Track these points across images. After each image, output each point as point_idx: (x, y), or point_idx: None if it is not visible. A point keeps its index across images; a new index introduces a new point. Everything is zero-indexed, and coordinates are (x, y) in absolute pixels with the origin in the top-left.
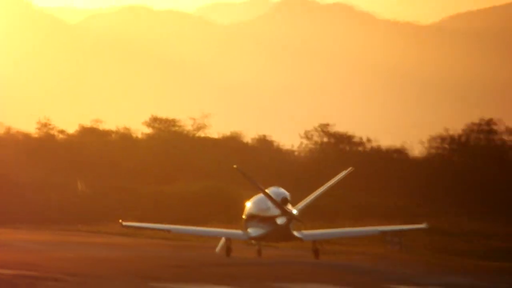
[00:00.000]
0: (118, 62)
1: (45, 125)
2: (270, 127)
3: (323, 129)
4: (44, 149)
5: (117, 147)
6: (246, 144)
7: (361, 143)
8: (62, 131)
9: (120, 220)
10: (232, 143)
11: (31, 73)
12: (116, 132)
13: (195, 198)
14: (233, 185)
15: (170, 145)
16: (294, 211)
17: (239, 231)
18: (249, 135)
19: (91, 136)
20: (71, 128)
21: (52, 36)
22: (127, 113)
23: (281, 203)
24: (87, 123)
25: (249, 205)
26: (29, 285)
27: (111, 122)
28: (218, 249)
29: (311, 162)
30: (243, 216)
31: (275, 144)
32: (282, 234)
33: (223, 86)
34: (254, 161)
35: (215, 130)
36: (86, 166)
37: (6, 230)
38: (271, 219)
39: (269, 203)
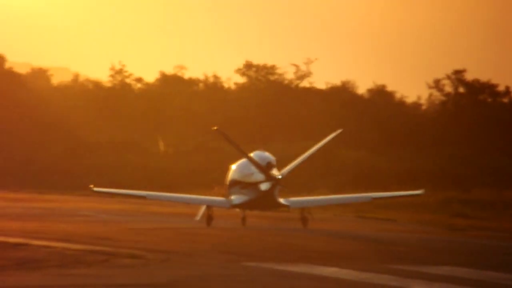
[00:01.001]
0: None
1: (119, 72)
2: (389, 76)
3: (458, 76)
4: (118, 100)
5: (204, 99)
6: (360, 97)
7: (507, 93)
8: (139, 79)
9: (91, 186)
10: (342, 95)
11: (103, 13)
12: (203, 82)
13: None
14: (340, 144)
15: (267, 97)
16: (279, 176)
17: (221, 198)
18: (363, 86)
19: (173, 86)
20: (150, 76)
21: None
22: (216, 58)
23: (266, 168)
24: (169, 70)
25: (231, 171)
26: (103, 262)
27: (197, 69)
28: (198, 217)
29: (443, 118)
30: (226, 183)
31: (396, 96)
32: (266, 201)
33: (330, 26)
34: (369, 117)
35: (322, 79)
36: (167, 121)
37: (75, 197)
38: (254, 185)
39: (253, 168)
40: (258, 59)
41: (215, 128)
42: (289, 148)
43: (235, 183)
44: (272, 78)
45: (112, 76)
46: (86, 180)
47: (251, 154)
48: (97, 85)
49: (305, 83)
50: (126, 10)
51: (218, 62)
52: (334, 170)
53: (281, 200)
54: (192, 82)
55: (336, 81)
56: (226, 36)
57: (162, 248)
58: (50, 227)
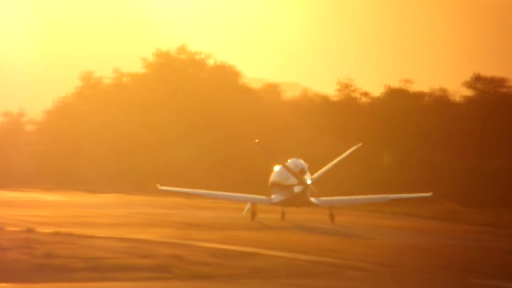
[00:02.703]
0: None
1: (346, 86)
2: None
3: None
4: (344, 113)
5: (430, 112)
6: None
7: None
8: (365, 94)
9: (158, 184)
10: None
11: (327, 31)
12: (430, 95)
13: None
14: None
15: (495, 111)
16: (309, 181)
17: (263, 197)
18: None
19: (399, 99)
20: (376, 90)
21: None
22: (443, 71)
23: (299, 174)
24: (395, 84)
25: (273, 174)
26: (329, 274)
27: (423, 83)
28: (244, 212)
29: None
30: (268, 184)
31: None
32: (299, 201)
33: None
34: None
35: None
36: (392, 133)
37: (304, 209)
38: (289, 187)
39: (289, 174)
40: (487, 72)
41: (256, 141)
42: None
43: (275, 184)
44: (500, 90)
45: (339, 90)
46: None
47: (288, 161)
48: (325, 99)
49: None
50: (356, 26)
51: (445, 75)
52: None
53: (312, 199)
54: (418, 95)
55: None
56: (453, 49)
57: (389, 261)
58: (280, 237)
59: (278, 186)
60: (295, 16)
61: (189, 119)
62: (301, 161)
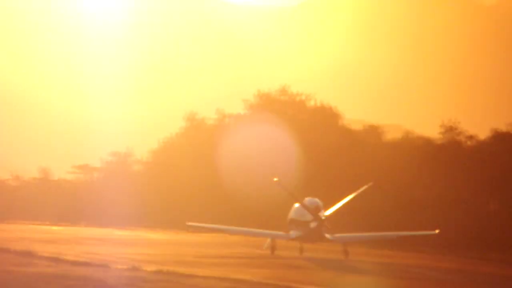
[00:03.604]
0: None
1: (450, 129)
2: None
3: None
4: (447, 157)
5: None
6: None
7: None
8: (471, 137)
9: (187, 222)
10: None
11: (434, 71)
12: None
13: None
14: None
15: None
16: (323, 217)
17: (282, 233)
18: None
19: (505, 143)
20: (481, 134)
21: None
22: None
23: (314, 211)
24: (502, 128)
25: (291, 211)
26: None
27: None
28: (265, 247)
29: None
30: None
31: None
32: (315, 236)
33: None
34: None
35: None
36: (499, 179)
37: (410, 254)
38: (305, 223)
39: (305, 211)
40: None
41: (275, 180)
42: None
43: (292, 221)
44: None
45: (442, 133)
46: (419, 238)
47: (306, 199)
48: (428, 141)
49: None
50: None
51: None
52: None
53: (327, 235)
54: None
55: None
56: None
57: None
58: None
59: (295, 222)
60: (396, 56)
61: (291, 157)
62: (317, 200)
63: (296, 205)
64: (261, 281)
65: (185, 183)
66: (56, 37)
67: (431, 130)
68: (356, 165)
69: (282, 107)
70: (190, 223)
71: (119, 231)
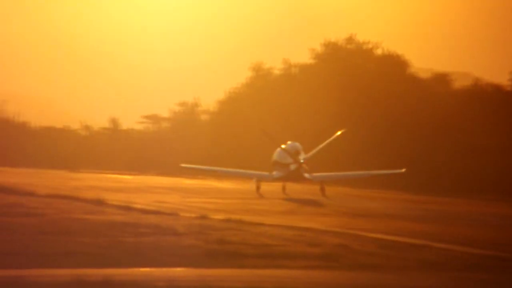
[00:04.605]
0: None
1: None
2: None
3: None
4: None
5: None
6: None
7: None
8: None
9: (181, 164)
10: None
11: (502, 17)
12: None
13: None
14: None
15: None
16: (302, 160)
17: (266, 173)
18: None
19: None
20: None
21: None
22: None
23: (294, 154)
24: None
25: (274, 155)
26: (496, 268)
27: None
28: (252, 186)
29: None
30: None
31: None
32: (295, 176)
33: None
34: None
35: None
36: None
37: (466, 201)
38: (286, 165)
39: (287, 154)
40: None
41: (261, 130)
42: None
43: (275, 163)
44: None
45: (511, 80)
46: (481, 183)
47: (288, 143)
48: (497, 89)
49: None
50: None
51: None
52: None
53: (306, 175)
54: None
55: None
56: None
57: None
58: (449, 230)
59: (278, 164)
60: (466, 5)
61: (357, 109)
62: (297, 144)
63: (276, 151)
64: (328, 229)
65: (251, 133)
66: None
67: (501, 78)
68: (422, 112)
69: (348, 56)
70: (184, 165)
71: (188, 180)
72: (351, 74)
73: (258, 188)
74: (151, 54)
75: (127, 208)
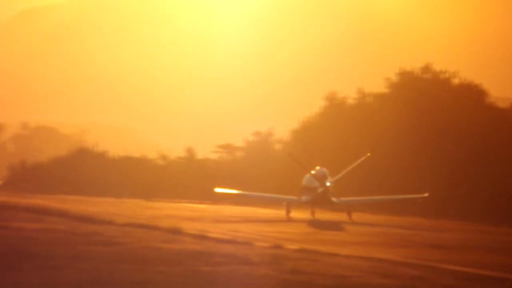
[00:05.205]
0: None
1: None
2: None
3: None
4: None
5: None
6: None
7: None
8: None
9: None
10: None
11: None
12: None
13: None
14: None
15: None
16: (328, 184)
17: (295, 197)
18: None
19: None
20: None
21: None
22: None
23: (321, 178)
24: None
25: (303, 180)
26: None
27: None
28: (284, 209)
29: None
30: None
31: None
32: (322, 200)
33: None
34: None
35: None
36: None
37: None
38: (314, 189)
39: (314, 179)
40: None
41: (288, 154)
42: None
43: (304, 188)
44: None
45: None
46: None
47: (317, 168)
48: None
49: None
50: None
51: None
52: None
53: (333, 199)
54: None
55: None
56: None
57: None
58: None
59: (306, 189)
60: None
61: (432, 139)
62: (324, 169)
63: (305, 177)
64: (405, 260)
65: (326, 161)
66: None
67: None
68: (504, 143)
69: (424, 86)
70: (218, 189)
71: (262, 210)
72: (427, 104)
73: (288, 212)
74: (226, 85)
75: (203, 237)
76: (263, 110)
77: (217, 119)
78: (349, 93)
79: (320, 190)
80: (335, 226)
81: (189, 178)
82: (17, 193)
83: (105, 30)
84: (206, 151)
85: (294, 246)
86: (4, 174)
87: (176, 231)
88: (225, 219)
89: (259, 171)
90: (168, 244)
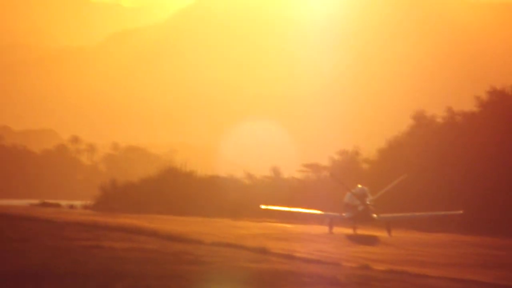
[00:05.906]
0: None
1: None
2: None
3: None
4: None
5: None
6: None
7: None
8: None
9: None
10: None
11: None
12: None
13: None
14: None
15: None
16: (368, 202)
17: (337, 214)
18: None
19: None
20: None
21: None
22: None
23: (361, 196)
24: None
25: (345, 197)
26: None
27: None
28: (325, 226)
29: None
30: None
31: None
32: (363, 216)
33: None
34: None
35: None
36: None
37: None
38: (355, 207)
39: (355, 197)
40: None
41: (330, 174)
42: None
43: (346, 205)
44: None
45: None
46: None
47: (358, 186)
48: None
49: None
50: None
51: None
52: None
53: (374, 215)
54: None
55: None
56: None
57: None
58: None
59: (348, 206)
60: None
61: None
62: (365, 188)
63: (346, 195)
64: (496, 282)
65: (414, 182)
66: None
67: None
68: None
69: None
70: (263, 206)
71: (348, 230)
72: None
73: (330, 228)
74: (313, 104)
75: (290, 257)
76: (349, 128)
77: (303, 137)
78: (438, 112)
79: (360, 208)
80: (412, 244)
81: (275, 197)
82: (108, 212)
83: (194, 51)
84: (292, 170)
85: (382, 267)
86: (96, 194)
87: (263, 251)
88: (312, 238)
89: (343, 191)
90: (255, 264)
